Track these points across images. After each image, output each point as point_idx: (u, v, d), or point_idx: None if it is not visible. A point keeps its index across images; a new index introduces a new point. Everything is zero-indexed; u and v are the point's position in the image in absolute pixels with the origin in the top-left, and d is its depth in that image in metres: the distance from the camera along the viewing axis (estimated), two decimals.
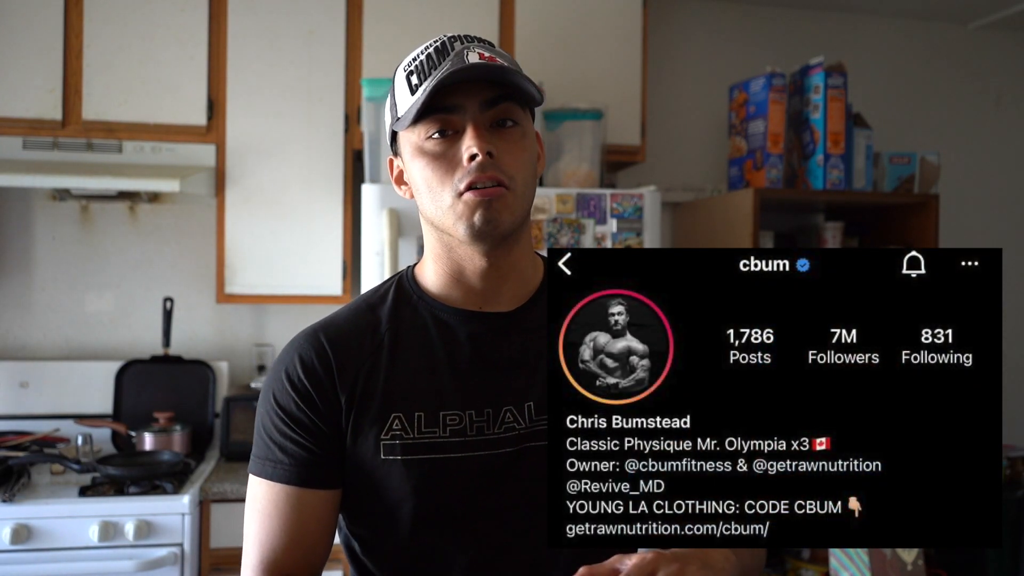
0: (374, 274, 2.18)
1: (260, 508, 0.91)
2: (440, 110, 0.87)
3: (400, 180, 0.97)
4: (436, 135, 0.88)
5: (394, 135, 0.96)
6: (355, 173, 2.58)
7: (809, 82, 2.71)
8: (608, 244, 2.25)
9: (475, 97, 0.87)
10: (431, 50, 0.90)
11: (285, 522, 0.90)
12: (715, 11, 3.16)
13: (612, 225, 2.26)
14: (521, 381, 0.93)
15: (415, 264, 1.01)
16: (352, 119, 2.52)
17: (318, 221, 2.50)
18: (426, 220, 0.94)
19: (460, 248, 0.92)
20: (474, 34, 0.94)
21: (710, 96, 3.09)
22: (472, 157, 0.86)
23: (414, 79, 0.89)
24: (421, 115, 0.87)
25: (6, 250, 2.64)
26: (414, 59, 0.91)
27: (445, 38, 0.91)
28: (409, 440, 0.89)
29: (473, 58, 0.87)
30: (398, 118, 0.92)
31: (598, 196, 2.26)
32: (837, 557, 2.17)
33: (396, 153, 0.97)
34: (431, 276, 0.96)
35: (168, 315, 2.58)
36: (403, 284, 0.99)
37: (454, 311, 0.94)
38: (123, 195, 2.61)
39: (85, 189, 2.48)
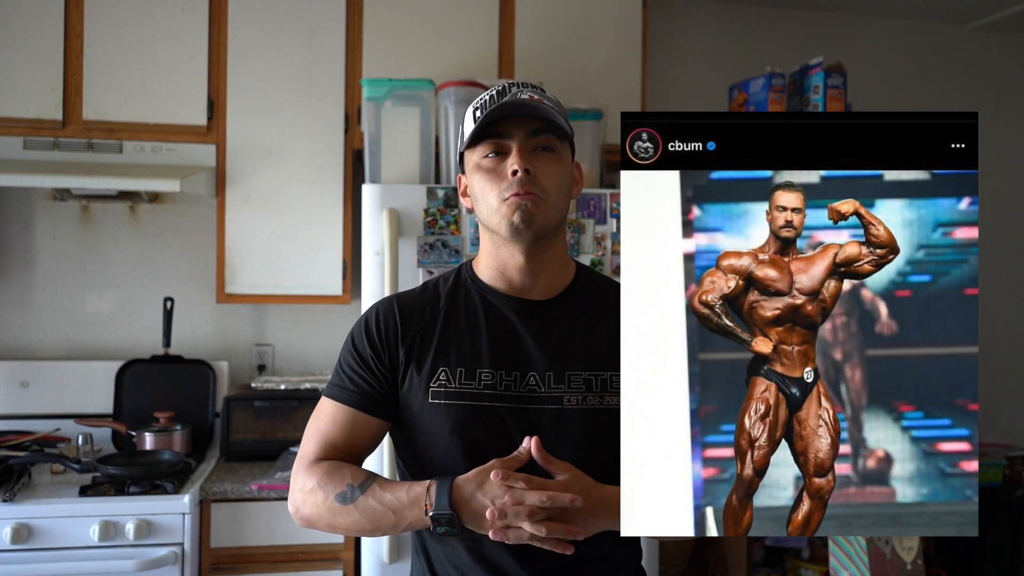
0: (374, 274, 2.17)
1: (323, 418, 1.18)
2: (494, 136, 1.12)
3: (465, 193, 1.21)
4: (491, 155, 1.13)
5: (461, 156, 1.20)
6: (355, 173, 2.58)
7: (809, 82, 2.71)
8: (608, 244, 2.25)
9: (522, 128, 1.12)
10: (494, 92, 1.16)
11: (340, 431, 1.16)
12: (715, 11, 3.16)
13: (612, 225, 2.26)
14: (544, 355, 1.15)
15: (473, 258, 1.26)
16: (352, 119, 2.52)
17: (318, 221, 2.51)
18: (481, 223, 1.18)
19: (504, 246, 1.16)
20: (531, 81, 1.21)
21: (710, 96, 3.09)
22: (514, 172, 1.10)
23: (478, 113, 1.14)
24: (478, 138, 1.13)
25: (6, 250, 2.65)
26: (481, 99, 1.16)
27: (506, 83, 1.17)
28: (452, 389, 1.13)
29: (523, 98, 1.13)
30: (463, 141, 1.17)
31: (598, 196, 2.26)
32: (837, 557, 2.16)
33: (462, 171, 1.21)
34: (483, 268, 1.22)
35: (168, 315, 2.58)
36: (462, 271, 1.25)
37: (498, 294, 1.19)
38: (123, 195, 2.61)
39: (86, 189, 2.48)
